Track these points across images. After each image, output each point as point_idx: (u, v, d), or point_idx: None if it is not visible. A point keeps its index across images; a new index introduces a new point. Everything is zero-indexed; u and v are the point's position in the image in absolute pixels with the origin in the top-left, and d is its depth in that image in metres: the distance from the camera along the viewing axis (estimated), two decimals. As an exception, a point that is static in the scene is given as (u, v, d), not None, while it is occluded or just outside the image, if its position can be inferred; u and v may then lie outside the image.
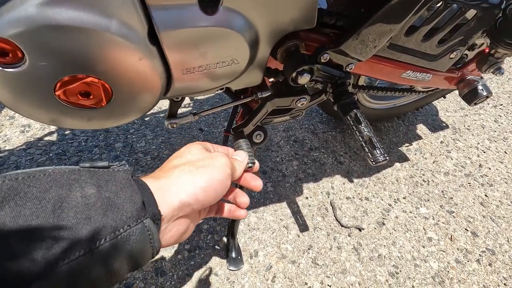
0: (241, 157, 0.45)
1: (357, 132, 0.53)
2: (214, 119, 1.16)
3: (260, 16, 0.41)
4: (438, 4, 0.54)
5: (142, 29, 0.35)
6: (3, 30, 0.28)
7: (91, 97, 0.38)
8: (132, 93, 0.40)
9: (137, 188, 0.29)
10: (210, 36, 0.39)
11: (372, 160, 0.50)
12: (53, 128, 1.06)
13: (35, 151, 0.98)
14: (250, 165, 0.52)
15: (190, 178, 0.33)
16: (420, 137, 1.21)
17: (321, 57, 0.48)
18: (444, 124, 1.28)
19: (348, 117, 0.54)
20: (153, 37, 0.37)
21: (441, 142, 1.20)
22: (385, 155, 0.50)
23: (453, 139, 1.21)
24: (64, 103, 0.38)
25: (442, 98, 1.18)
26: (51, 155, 0.97)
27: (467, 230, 0.90)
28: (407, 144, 1.17)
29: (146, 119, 1.13)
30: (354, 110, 0.54)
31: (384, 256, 0.82)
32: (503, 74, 0.72)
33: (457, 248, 0.85)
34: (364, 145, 0.52)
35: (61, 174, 0.27)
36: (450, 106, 1.38)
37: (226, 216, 0.47)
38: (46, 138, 1.02)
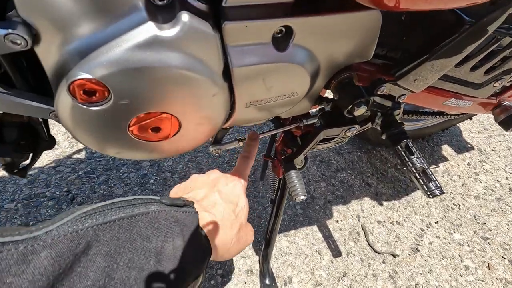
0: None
1: (409, 163, 0.52)
2: (239, 138, 1.16)
3: (325, 50, 0.41)
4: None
5: (219, 66, 0.35)
6: (97, 72, 0.29)
7: (161, 131, 0.38)
8: (197, 127, 0.40)
9: (206, 243, 0.34)
10: (278, 71, 0.39)
11: (428, 193, 0.49)
12: (80, 145, 1.06)
13: (64, 169, 0.98)
14: (302, 197, 0.51)
15: (236, 249, 0.40)
16: (446, 159, 1.19)
17: (378, 90, 0.48)
18: (469, 145, 1.27)
19: (399, 147, 0.53)
20: (225, 74, 0.37)
21: (468, 164, 1.18)
22: (441, 188, 0.49)
23: (480, 161, 1.20)
24: (134, 138, 0.38)
25: (469, 120, 1.17)
26: (80, 173, 0.97)
27: (504, 258, 0.87)
28: (433, 166, 1.15)
29: (172, 137, 1.13)
30: (404, 140, 0.53)
31: (422, 285, 0.79)
32: (545, 101, 0.71)
33: (496, 278, 0.83)
34: (418, 177, 0.51)
35: (154, 217, 0.29)
36: (473, 127, 1.36)
37: None
38: (75, 156, 1.03)
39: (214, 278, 0.76)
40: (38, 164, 0.99)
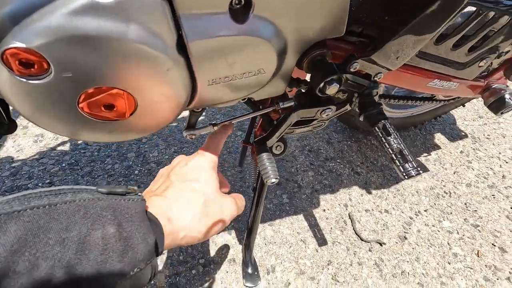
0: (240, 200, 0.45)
1: (386, 144, 0.50)
2: (227, 128, 1.14)
3: (290, 24, 0.39)
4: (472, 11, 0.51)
5: (171, 38, 0.33)
6: (31, 40, 0.27)
7: (115, 109, 0.36)
8: (156, 105, 0.39)
9: (151, 228, 0.30)
10: (239, 45, 0.37)
11: (404, 174, 0.48)
12: (66, 138, 1.05)
13: (48, 161, 0.97)
14: (274, 180, 0.49)
15: (206, 225, 0.36)
16: (438, 147, 1.17)
17: (351, 67, 0.46)
18: (463, 133, 1.24)
19: (376, 128, 0.51)
20: (181, 47, 0.35)
21: (461, 152, 1.16)
22: (418, 168, 0.48)
23: (473, 149, 1.17)
24: (86, 116, 0.36)
25: (462, 106, 1.15)
26: (63, 165, 0.96)
27: (494, 245, 0.86)
28: (425, 154, 1.13)
29: (159, 128, 1.11)
30: (382, 121, 0.51)
31: (408, 273, 0.78)
32: (533, 82, 0.69)
33: (485, 265, 0.81)
34: (395, 158, 0.49)
35: (81, 205, 0.26)
36: (468, 115, 1.34)
37: None
38: (59, 148, 1.02)
39: (195, 268, 0.74)
40: (21, 156, 0.98)
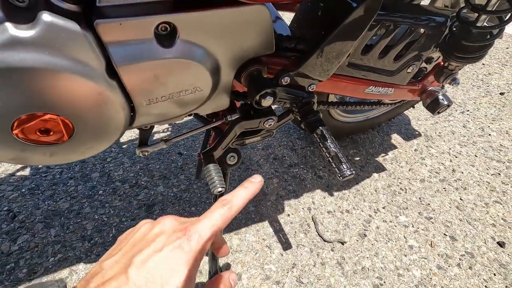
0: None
1: (324, 148, 0.55)
2: (193, 142, 1.17)
3: (217, 46, 0.43)
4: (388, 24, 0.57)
5: (99, 65, 0.36)
6: (-47, 75, 0.29)
7: (51, 133, 0.38)
8: (94, 126, 0.41)
9: None
10: (170, 68, 0.40)
11: (339, 175, 0.52)
12: (26, 162, 1.03)
13: (6, 187, 0.94)
14: (220, 189, 0.52)
15: None
16: (395, 147, 1.25)
17: (282, 80, 0.50)
18: (417, 132, 1.33)
19: (315, 134, 0.56)
20: (112, 71, 0.38)
21: (415, 150, 1.24)
22: (352, 169, 0.52)
23: (426, 146, 1.26)
24: (23, 142, 0.37)
25: (412, 108, 1.23)
26: (23, 190, 0.94)
27: (446, 235, 0.92)
28: (383, 154, 1.20)
29: (124, 146, 1.12)
30: (320, 128, 0.56)
31: (368, 268, 0.82)
32: (458, 84, 0.77)
33: (438, 254, 0.87)
34: (331, 161, 0.53)
35: None
36: (421, 115, 1.44)
37: None
38: (19, 174, 0.99)
39: (161, 283, 0.75)
40: (-23, 184, 0.95)
